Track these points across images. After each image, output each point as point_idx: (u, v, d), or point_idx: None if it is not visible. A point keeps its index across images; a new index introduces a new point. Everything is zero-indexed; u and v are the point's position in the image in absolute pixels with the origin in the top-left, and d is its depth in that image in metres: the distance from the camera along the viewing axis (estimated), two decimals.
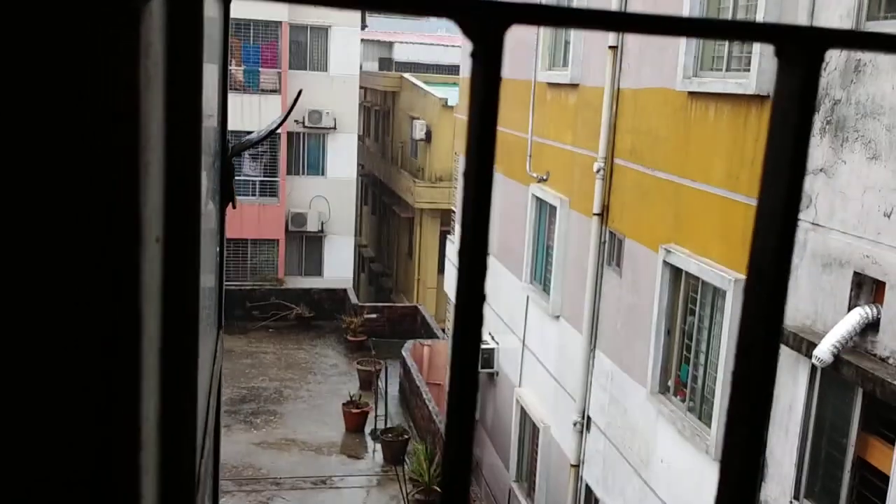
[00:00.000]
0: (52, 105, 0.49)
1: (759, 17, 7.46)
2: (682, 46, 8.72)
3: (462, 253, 0.38)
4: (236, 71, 25.64)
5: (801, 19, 6.90)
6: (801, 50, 0.42)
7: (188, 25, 0.76)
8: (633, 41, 10.11)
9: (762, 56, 7.41)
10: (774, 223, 0.43)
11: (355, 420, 18.13)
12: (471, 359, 0.40)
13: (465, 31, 0.34)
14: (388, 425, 17.70)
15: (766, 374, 0.46)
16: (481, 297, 0.39)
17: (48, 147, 0.49)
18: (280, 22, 25.57)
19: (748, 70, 7.73)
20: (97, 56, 0.48)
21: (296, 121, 26.25)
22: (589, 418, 11.11)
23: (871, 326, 6.16)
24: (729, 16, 8.26)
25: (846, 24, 6.44)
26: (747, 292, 0.45)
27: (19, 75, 0.48)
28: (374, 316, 23.54)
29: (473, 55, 0.35)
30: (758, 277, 0.44)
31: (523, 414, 13.48)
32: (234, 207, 1.76)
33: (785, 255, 0.43)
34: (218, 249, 1.66)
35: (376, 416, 17.99)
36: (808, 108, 0.43)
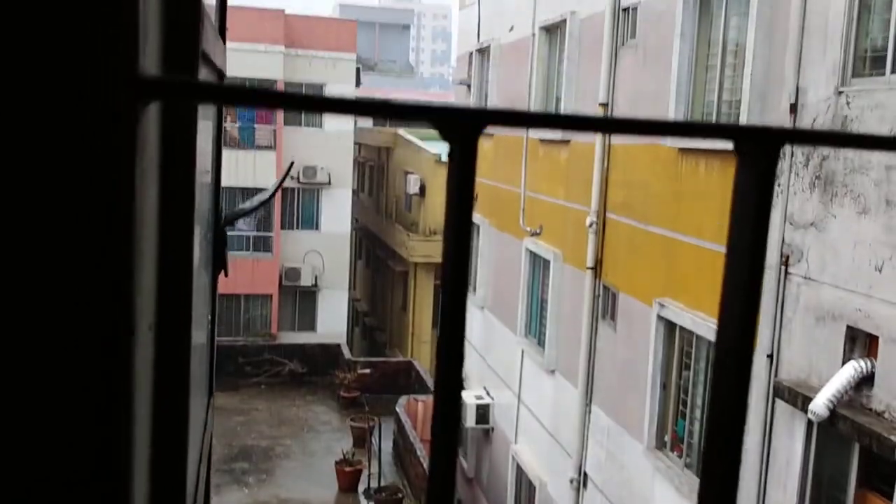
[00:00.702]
0: (51, 197, 0.50)
1: (747, 75, 7.60)
2: (672, 103, 8.86)
3: (439, 355, 0.38)
4: (231, 128, 25.89)
5: (788, 76, 7.03)
6: (758, 147, 0.45)
7: (182, 126, 0.78)
8: (623, 95, 10.27)
9: (751, 113, 7.53)
10: (736, 307, 0.45)
11: (349, 478, 17.86)
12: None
13: (442, 135, 0.36)
14: (382, 484, 17.43)
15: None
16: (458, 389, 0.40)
17: (48, 237, 0.51)
18: (276, 80, 25.92)
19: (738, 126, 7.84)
20: (95, 154, 0.50)
21: (290, 176, 26.41)
22: (586, 475, 10.98)
23: (866, 380, 6.14)
24: (717, 76, 8.41)
25: (832, 81, 6.56)
26: (715, 374, 0.46)
27: (23, 164, 0.49)
28: (367, 371, 23.37)
29: (450, 155, 0.36)
30: (724, 357, 0.45)
31: (519, 471, 13.31)
32: (226, 276, 1.77)
33: (746, 352, 0.45)
34: (210, 317, 1.66)
35: (370, 474, 17.73)
36: (766, 202, 0.45)
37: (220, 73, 1.58)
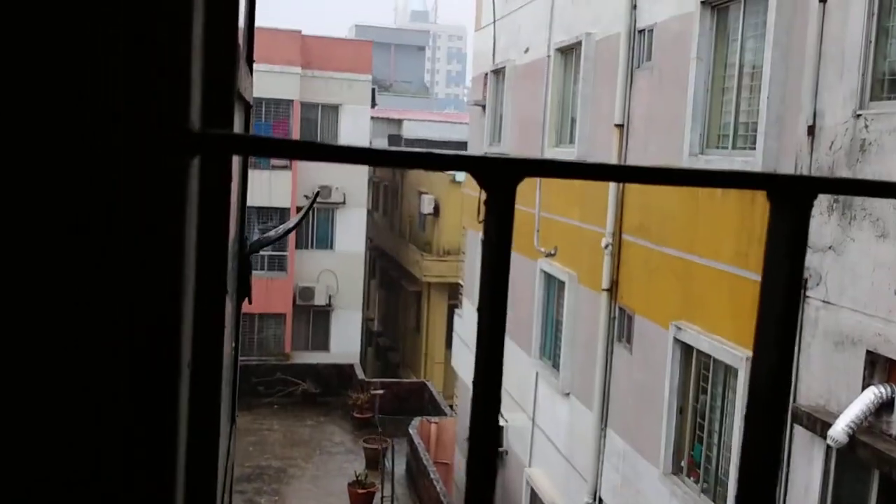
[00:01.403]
0: (109, 251, 0.52)
1: (763, 98, 7.57)
2: (689, 124, 8.84)
3: (475, 401, 0.37)
4: None
5: (806, 99, 6.99)
6: (791, 197, 0.44)
7: (221, 173, 0.79)
8: (639, 117, 10.26)
9: (767, 136, 7.49)
10: (772, 347, 0.45)
11: (361, 501, 17.76)
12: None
13: (479, 183, 0.35)
14: None
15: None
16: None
17: (105, 290, 0.52)
18: (291, 101, 26.11)
19: (754, 148, 7.81)
20: (150, 208, 0.51)
21: (305, 196, 26.53)
22: (601, 499, 10.86)
23: (886, 406, 6.06)
24: (733, 98, 8.39)
25: (850, 105, 6.52)
26: (747, 426, 0.44)
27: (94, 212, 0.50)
28: (380, 392, 23.31)
29: (487, 204, 0.35)
30: (757, 413, 0.44)
31: (533, 494, 13.19)
32: (250, 303, 1.76)
33: (785, 372, 0.44)
34: (234, 345, 1.66)
35: (383, 497, 17.63)
36: (800, 250, 0.45)
37: (248, 105, 1.59)
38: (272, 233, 2.96)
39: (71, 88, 0.50)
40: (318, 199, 26.76)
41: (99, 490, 0.53)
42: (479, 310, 0.37)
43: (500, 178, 0.37)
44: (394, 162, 0.35)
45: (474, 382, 0.39)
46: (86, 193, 0.51)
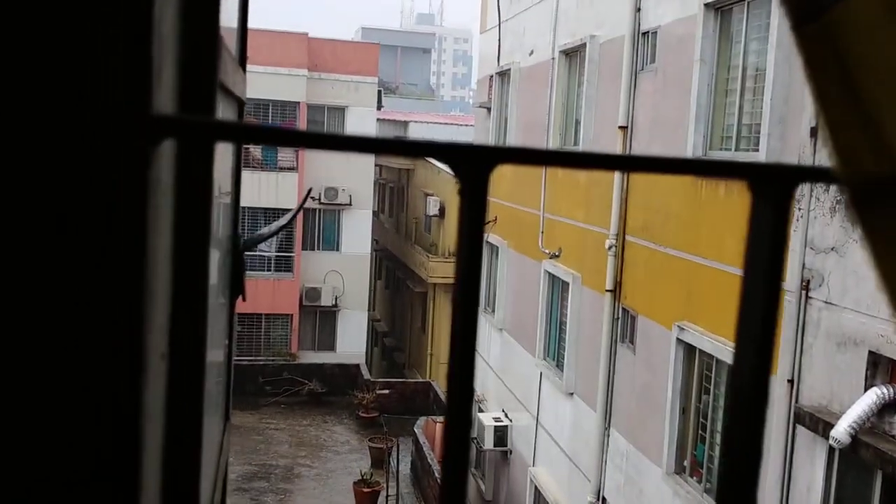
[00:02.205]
0: (61, 235, 0.51)
1: (767, 100, 7.60)
2: (692, 125, 8.87)
3: (449, 396, 0.40)
4: (254, 149, 26.11)
5: (809, 101, 7.02)
6: (773, 186, 0.44)
7: (199, 159, 0.79)
8: (643, 119, 10.29)
9: (771, 137, 7.52)
10: (752, 342, 0.44)
11: (367, 499, 17.80)
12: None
13: (454, 172, 0.38)
14: None
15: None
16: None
17: (59, 277, 0.51)
18: (298, 102, 26.15)
19: (757, 149, 7.84)
20: (107, 193, 0.51)
21: (312, 197, 26.57)
22: (604, 499, 10.89)
23: (889, 406, 6.08)
24: (736, 100, 8.42)
25: None
26: (726, 434, 0.46)
27: (30, 202, 0.50)
28: (386, 392, 23.35)
29: (460, 193, 0.38)
30: (737, 417, 0.45)
31: (538, 494, 13.21)
32: (244, 300, 1.80)
33: (762, 385, 0.44)
34: (227, 342, 1.69)
35: (388, 496, 17.67)
36: (780, 241, 0.45)
37: (241, 102, 1.61)
38: (265, 230, 2.98)
39: (22, 70, 0.49)
40: (325, 201, 26.80)
41: (56, 483, 0.52)
42: (453, 301, 0.40)
43: (473, 165, 0.37)
44: (364, 148, 0.37)
45: (447, 387, 0.42)
46: (36, 178, 0.49)
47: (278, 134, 0.42)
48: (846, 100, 0.42)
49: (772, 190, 0.45)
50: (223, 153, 1.41)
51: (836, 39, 0.42)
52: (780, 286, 0.46)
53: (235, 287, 1.72)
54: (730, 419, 0.47)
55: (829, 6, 0.41)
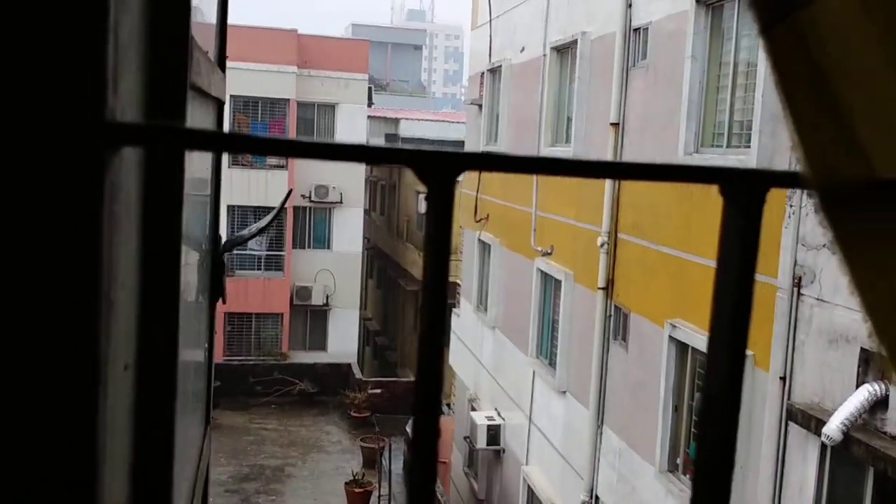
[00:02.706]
0: (11, 243, 0.50)
1: (759, 96, 7.59)
2: (684, 122, 8.86)
3: (416, 395, 0.38)
4: None
5: None
6: (743, 191, 0.44)
7: (167, 167, 0.78)
8: (634, 116, 10.28)
9: (762, 133, 7.51)
10: (725, 343, 0.45)
11: (358, 500, 17.78)
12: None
13: (419, 177, 0.36)
14: None
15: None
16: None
17: (8, 280, 0.50)
18: (288, 99, 26.10)
19: (749, 147, 7.83)
20: (58, 200, 0.49)
21: (302, 195, 26.54)
22: (597, 497, 10.88)
23: (881, 403, 6.08)
24: (728, 97, 8.41)
25: None
26: (699, 432, 0.45)
27: None
28: (378, 391, 23.33)
29: (427, 198, 0.36)
30: (712, 396, 0.45)
31: (530, 492, 13.21)
32: (223, 303, 1.76)
33: (735, 383, 0.45)
34: (207, 345, 1.66)
35: (380, 496, 17.65)
36: (752, 245, 0.45)
37: (219, 103, 1.58)
38: (245, 232, 2.97)
39: None
40: (316, 199, 26.76)
41: (14, 491, 0.52)
42: (421, 307, 0.38)
43: (438, 171, 0.37)
44: (325, 155, 0.35)
45: (415, 386, 0.40)
46: None
47: (232, 140, 0.39)
48: (817, 102, 0.41)
49: (742, 195, 0.45)
50: (201, 158, 1.37)
51: (809, 41, 0.40)
52: (752, 288, 0.46)
53: (215, 289, 1.69)
54: (702, 419, 0.47)
55: (801, 5, 0.40)
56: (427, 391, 0.38)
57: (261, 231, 3.41)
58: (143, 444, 0.74)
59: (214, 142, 0.37)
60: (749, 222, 0.44)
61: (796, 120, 0.43)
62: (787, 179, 0.47)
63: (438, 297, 0.36)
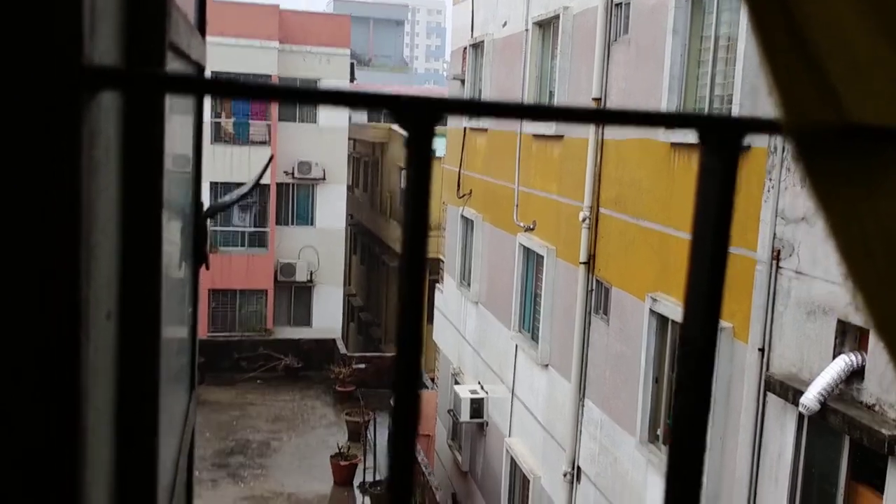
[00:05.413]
0: None
1: (739, 70, 7.62)
2: (665, 96, 8.88)
3: (398, 337, 0.40)
4: (226, 123, 25.84)
5: None
6: (721, 137, 0.45)
7: (146, 115, 0.78)
8: (616, 90, 10.29)
9: (742, 107, 7.55)
10: (700, 299, 0.46)
11: (344, 472, 17.89)
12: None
13: (399, 123, 0.38)
14: (378, 478, 17.47)
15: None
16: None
17: None
18: (269, 76, 25.87)
19: None
20: (35, 148, 0.49)
21: (285, 172, 26.39)
22: (579, 468, 11.02)
23: (857, 374, 6.18)
24: (709, 70, 8.43)
25: None
26: (682, 356, 0.47)
27: None
28: (362, 366, 23.40)
29: (407, 144, 0.38)
30: (688, 344, 0.46)
31: (513, 464, 13.35)
32: (206, 269, 1.78)
33: (712, 322, 0.46)
34: (191, 310, 1.67)
35: (365, 468, 17.77)
36: (729, 189, 0.46)
37: (200, 67, 1.58)
38: (227, 197, 2.97)
39: None
40: (298, 175, 26.62)
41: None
42: (400, 265, 0.40)
43: (418, 117, 0.38)
44: (304, 99, 0.36)
45: (396, 331, 0.42)
46: None
47: (217, 85, 0.40)
48: (793, 49, 0.43)
49: (720, 141, 0.45)
50: (182, 125, 1.38)
51: None
52: (729, 237, 0.46)
53: (198, 255, 1.70)
54: (680, 368, 0.48)
55: None
56: (409, 346, 0.39)
57: (243, 196, 3.42)
58: (127, 392, 0.75)
59: (193, 86, 0.38)
60: (726, 168, 0.45)
61: (772, 65, 0.44)
62: (763, 126, 0.48)
63: (418, 247, 0.38)
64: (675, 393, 0.50)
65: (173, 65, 1.05)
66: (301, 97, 0.38)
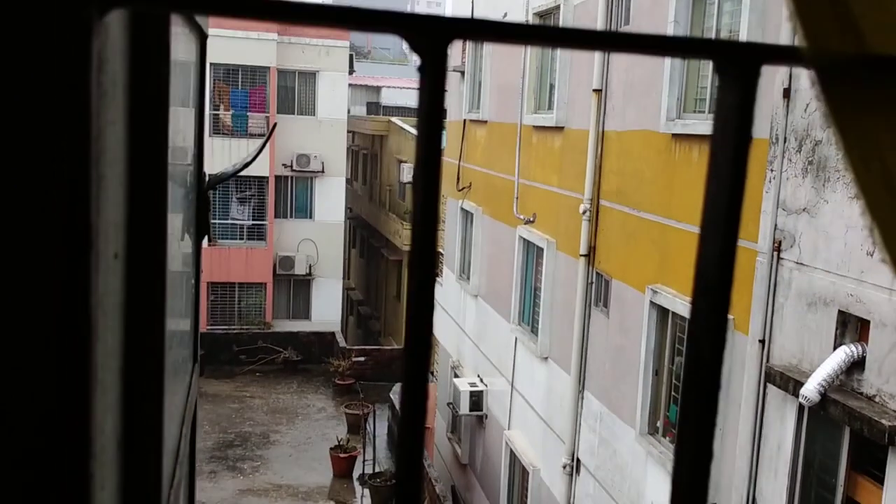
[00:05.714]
0: None
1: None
2: (665, 89, 8.85)
3: (411, 264, 0.39)
4: (225, 115, 25.78)
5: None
6: (739, 65, 0.43)
7: (152, 44, 0.76)
8: (617, 84, 10.26)
9: None
10: (718, 230, 0.43)
11: (343, 465, 17.91)
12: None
13: (411, 46, 0.36)
14: (377, 470, 17.49)
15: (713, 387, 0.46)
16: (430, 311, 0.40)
17: None
18: (268, 67, 25.81)
19: None
20: (43, 69, 0.48)
21: (284, 164, 26.35)
22: (578, 460, 11.03)
23: (857, 365, 6.17)
24: (709, 70, 8.40)
25: None
26: (693, 305, 0.46)
27: None
28: (362, 359, 23.41)
29: (420, 69, 0.36)
30: (703, 289, 0.45)
31: (512, 457, 13.36)
32: (209, 242, 1.77)
33: (727, 263, 0.44)
34: (193, 282, 1.66)
35: (364, 461, 17.79)
36: (748, 120, 0.44)
37: (202, 36, 1.57)
38: (228, 168, 2.97)
39: None
40: (297, 168, 26.58)
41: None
42: (413, 193, 0.38)
43: (431, 38, 0.36)
44: (310, 19, 0.35)
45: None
46: None
47: (224, 2, 0.38)
48: None
49: (738, 68, 0.44)
50: (184, 105, 1.37)
51: None
52: (746, 167, 0.44)
53: (201, 226, 1.69)
54: (693, 317, 0.46)
55: None
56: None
57: (245, 166, 3.42)
58: (135, 331, 0.73)
59: (200, 2, 0.37)
60: (744, 97, 0.43)
61: None
62: (783, 53, 0.46)
63: (432, 177, 0.37)
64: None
65: (182, 31, 1.03)
66: (307, 16, 0.36)
